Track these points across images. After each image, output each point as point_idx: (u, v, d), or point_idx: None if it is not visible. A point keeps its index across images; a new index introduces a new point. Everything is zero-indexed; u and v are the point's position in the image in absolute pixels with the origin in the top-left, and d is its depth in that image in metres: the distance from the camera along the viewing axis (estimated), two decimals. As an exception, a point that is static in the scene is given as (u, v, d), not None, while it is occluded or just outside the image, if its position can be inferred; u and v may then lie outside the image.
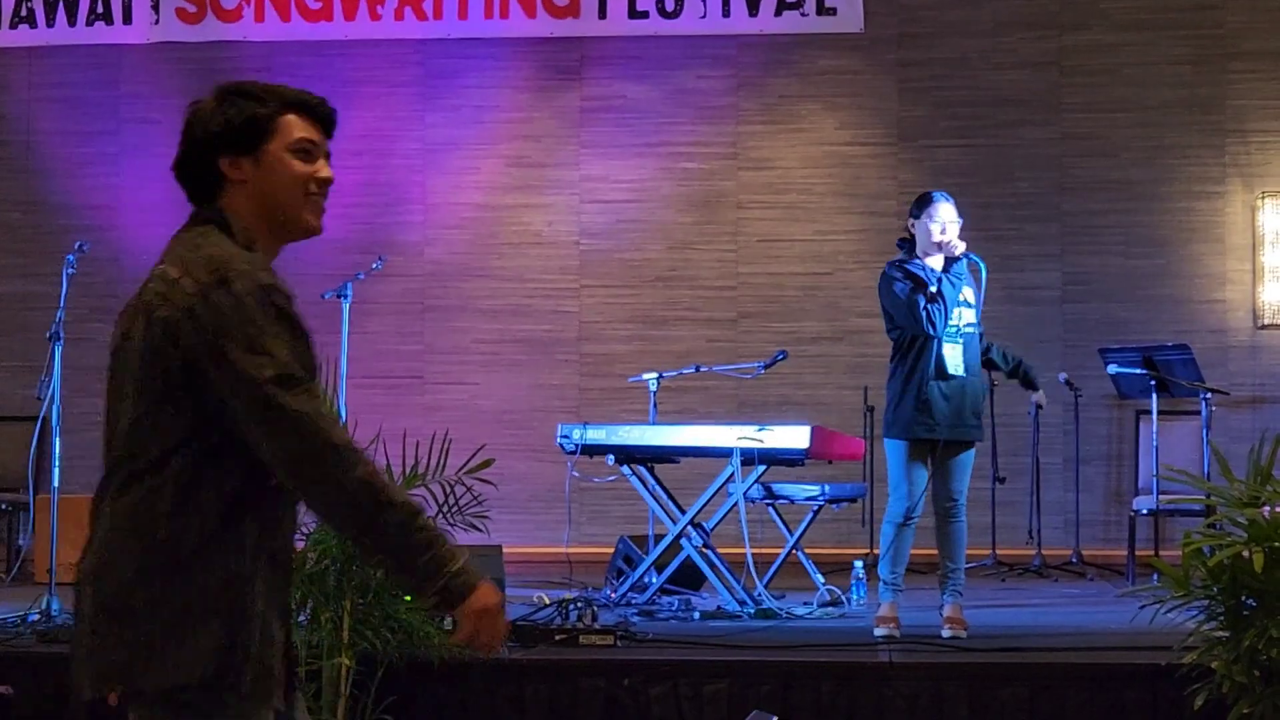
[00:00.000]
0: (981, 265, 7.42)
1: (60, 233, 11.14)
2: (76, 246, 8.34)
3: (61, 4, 11.81)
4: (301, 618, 6.27)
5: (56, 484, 8.07)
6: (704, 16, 11.50)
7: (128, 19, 11.81)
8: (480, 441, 6.56)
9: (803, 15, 11.46)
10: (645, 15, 11.55)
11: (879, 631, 7.16)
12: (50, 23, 11.85)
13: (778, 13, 11.47)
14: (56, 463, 8.00)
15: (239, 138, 3.28)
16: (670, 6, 11.52)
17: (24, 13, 11.85)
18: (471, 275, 11.70)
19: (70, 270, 8.11)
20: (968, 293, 7.28)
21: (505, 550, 7.17)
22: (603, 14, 11.58)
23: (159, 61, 11.85)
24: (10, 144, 11.93)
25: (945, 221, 7.19)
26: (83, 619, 3.17)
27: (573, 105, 11.69)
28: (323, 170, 3.34)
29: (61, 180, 11.85)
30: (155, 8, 11.77)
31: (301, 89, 3.38)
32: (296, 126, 3.33)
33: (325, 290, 8.97)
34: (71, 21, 11.84)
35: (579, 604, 7.28)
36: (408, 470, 6.26)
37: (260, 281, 3.10)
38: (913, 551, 7.40)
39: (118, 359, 3.27)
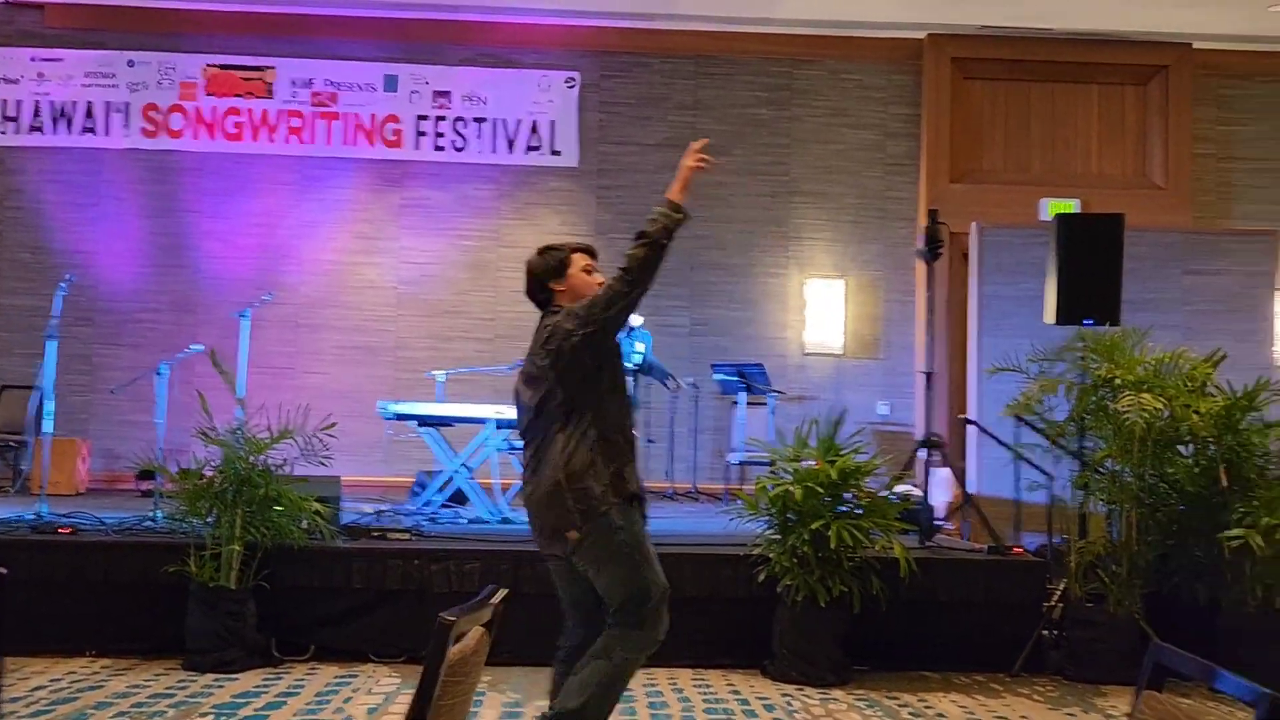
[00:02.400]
0: (648, 336, 7.58)
1: (56, 268, 10.48)
2: (66, 277, 7.91)
3: (64, 119, 11.19)
4: (210, 519, 6.04)
5: (50, 430, 7.64)
6: (480, 151, 11.40)
7: (107, 132, 11.20)
8: (329, 411, 6.39)
9: (540, 154, 11.45)
10: (443, 149, 11.39)
11: None
12: (55, 131, 11.21)
13: (526, 152, 11.42)
14: (49, 416, 7.56)
15: (555, 270, 4.13)
16: (460, 145, 11.39)
17: (37, 123, 11.19)
18: (329, 305, 11.34)
19: (62, 293, 7.66)
20: (640, 345, 7.43)
21: (343, 479, 6.98)
22: (417, 146, 11.38)
23: (127, 159, 11.23)
24: (25, 209, 11.17)
25: None
26: (543, 504, 3.90)
27: (395, 202, 11.44)
28: (599, 277, 4.10)
29: (58, 233, 11.14)
30: (126, 125, 11.20)
31: (580, 240, 4.28)
32: (580, 259, 4.14)
33: (233, 312, 8.64)
34: (70, 130, 11.21)
35: (389, 513, 7.16)
36: (283, 428, 6.07)
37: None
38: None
39: (528, 374, 4.05)
